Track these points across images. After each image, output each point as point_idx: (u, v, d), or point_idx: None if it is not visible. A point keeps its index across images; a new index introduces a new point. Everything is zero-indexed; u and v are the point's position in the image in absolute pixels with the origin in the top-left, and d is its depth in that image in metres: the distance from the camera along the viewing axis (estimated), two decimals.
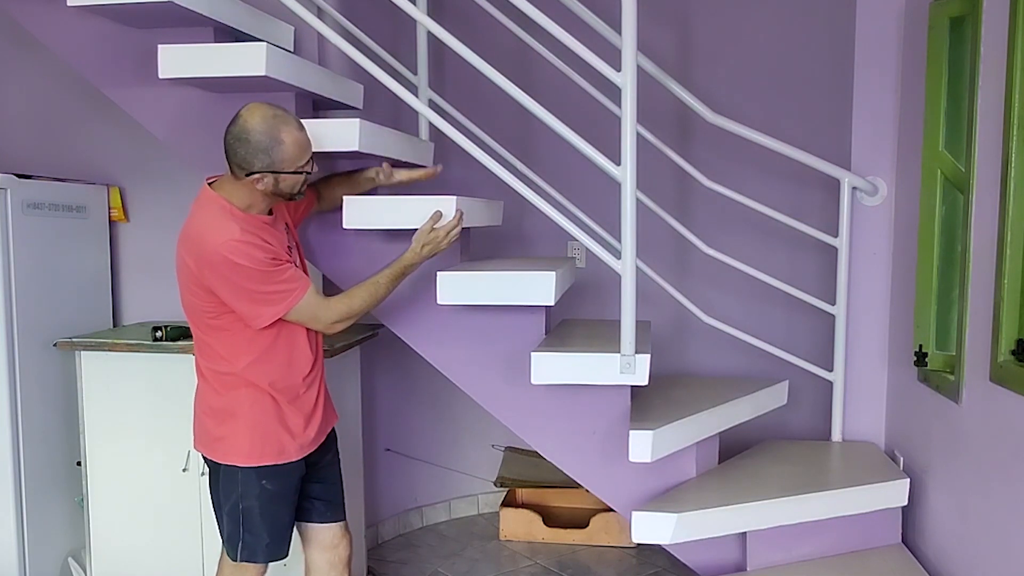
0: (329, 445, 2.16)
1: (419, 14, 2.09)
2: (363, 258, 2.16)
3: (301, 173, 1.86)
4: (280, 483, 1.98)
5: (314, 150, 1.91)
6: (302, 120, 1.89)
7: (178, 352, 2.59)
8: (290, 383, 1.96)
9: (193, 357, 2.01)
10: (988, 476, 1.88)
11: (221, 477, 1.98)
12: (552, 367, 2.01)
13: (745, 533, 2.16)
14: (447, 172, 2.91)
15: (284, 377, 1.95)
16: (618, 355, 1.99)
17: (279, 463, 1.96)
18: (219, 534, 2.04)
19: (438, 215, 2.00)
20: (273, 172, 1.81)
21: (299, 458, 2.00)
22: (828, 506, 2.17)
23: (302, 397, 2.00)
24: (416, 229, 2.00)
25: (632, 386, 2.09)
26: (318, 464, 2.10)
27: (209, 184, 1.91)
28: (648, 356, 2.01)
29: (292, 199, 1.92)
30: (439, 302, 2.05)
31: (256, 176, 1.81)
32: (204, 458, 2.03)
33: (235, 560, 2.01)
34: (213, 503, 2.03)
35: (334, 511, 2.17)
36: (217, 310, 1.87)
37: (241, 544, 1.98)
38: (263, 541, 1.98)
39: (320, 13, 2.46)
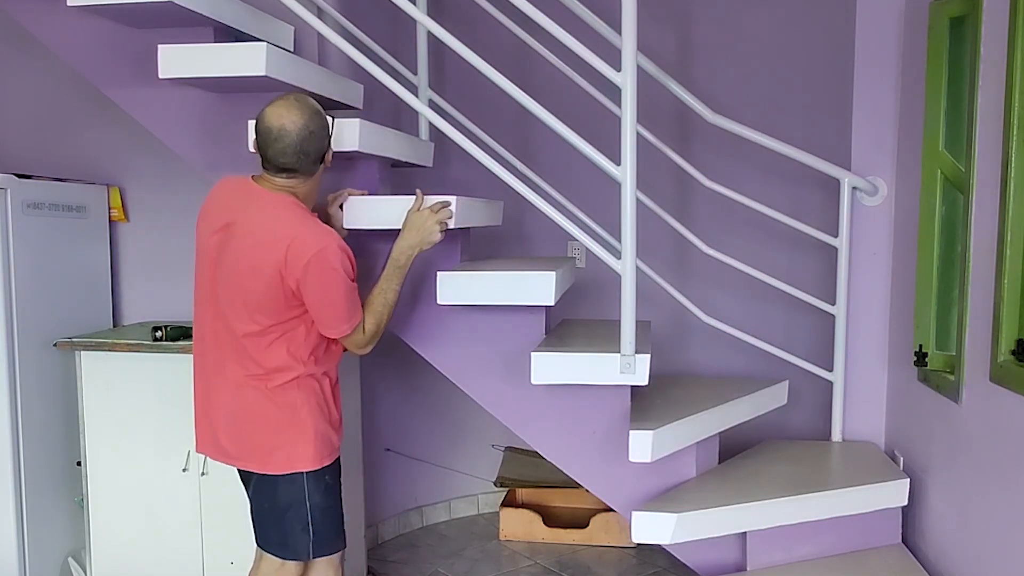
0: None
1: (419, 14, 2.09)
2: (366, 258, 2.17)
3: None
4: (336, 475, 2.01)
5: None
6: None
7: (178, 352, 2.59)
8: (331, 368, 2.00)
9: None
10: (988, 476, 1.88)
11: (280, 486, 1.92)
12: (552, 367, 2.01)
13: (745, 533, 2.16)
14: (447, 172, 2.92)
15: (324, 362, 1.96)
16: (618, 355, 1.99)
17: (334, 461, 2.00)
18: (263, 541, 1.99)
19: (421, 197, 2.00)
20: (328, 142, 1.90)
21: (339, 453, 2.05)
22: (828, 506, 2.17)
23: (337, 386, 2.03)
24: None
25: (632, 386, 2.09)
26: None
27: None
28: (648, 356, 2.01)
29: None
30: (439, 302, 2.06)
31: (328, 156, 1.90)
32: (246, 472, 1.98)
33: (305, 559, 1.98)
34: (261, 511, 1.97)
35: None
36: (290, 314, 1.85)
37: (312, 544, 1.95)
38: (332, 533, 1.99)
39: (320, 13, 2.46)
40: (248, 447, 1.93)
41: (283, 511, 1.94)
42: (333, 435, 2.00)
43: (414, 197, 2.02)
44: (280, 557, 1.98)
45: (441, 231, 1.99)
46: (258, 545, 2.01)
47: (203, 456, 2.52)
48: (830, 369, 2.60)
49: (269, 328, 1.85)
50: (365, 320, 1.93)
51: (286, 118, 1.80)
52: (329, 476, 1.98)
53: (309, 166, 1.86)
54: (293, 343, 1.88)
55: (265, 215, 1.84)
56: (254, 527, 2.00)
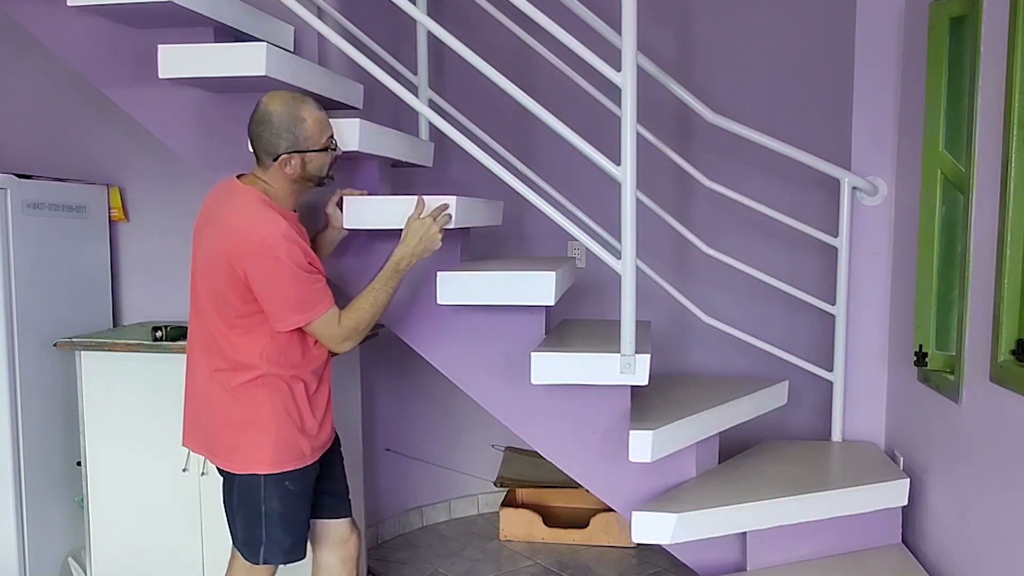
0: (334, 441, 2.16)
1: (419, 14, 2.09)
2: (366, 258, 2.17)
3: (326, 151, 1.90)
4: (301, 484, 1.97)
5: None
6: None
7: (178, 352, 2.58)
8: (307, 372, 1.95)
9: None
10: (988, 476, 1.88)
11: (238, 485, 1.94)
12: (552, 367, 2.01)
13: (745, 533, 2.16)
14: (447, 172, 2.92)
15: (301, 366, 1.94)
16: (618, 355, 1.99)
17: (299, 468, 1.95)
18: (232, 538, 2.00)
19: (422, 203, 1.99)
20: (299, 152, 1.85)
21: (315, 460, 2.00)
22: (828, 506, 2.17)
23: (318, 392, 1.99)
24: None
25: (632, 386, 2.09)
26: (326, 460, 2.10)
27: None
28: (648, 356, 2.01)
29: (321, 183, 1.95)
30: (439, 302, 2.05)
31: (283, 158, 1.85)
32: (216, 467, 2.00)
33: (257, 563, 1.97)
34: (227, 508, 1.99)
35: (342, 505, 2.17)
36: (247, 308, 1.84)
37: (264, 548, 1.95)
38: (287, 542, 1.96)
39: (320, 13, 2.46)
40: (216, 443, 1.96)
41: (241, 510, 1.95)
42: (303, 441, 1.95)
43: (414, 198, 2.01)
44: (242, 556, 1.99)
45: (442, 237, 1.99)
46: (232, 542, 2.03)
47: (202, 456, 2.53)
48: (830, 369, 2.60)
49: (234, 320, 1.86)
50: (343, 316, 1.91)
51: (271, 98, 1.86)
52: (291, 482, 1.94)
53: (260, 151, 1.87)
54: (259, 340, 1.87)
55: (227, 207, 1.88)
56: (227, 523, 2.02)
